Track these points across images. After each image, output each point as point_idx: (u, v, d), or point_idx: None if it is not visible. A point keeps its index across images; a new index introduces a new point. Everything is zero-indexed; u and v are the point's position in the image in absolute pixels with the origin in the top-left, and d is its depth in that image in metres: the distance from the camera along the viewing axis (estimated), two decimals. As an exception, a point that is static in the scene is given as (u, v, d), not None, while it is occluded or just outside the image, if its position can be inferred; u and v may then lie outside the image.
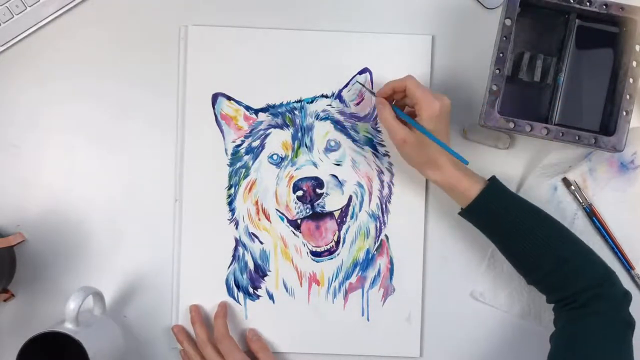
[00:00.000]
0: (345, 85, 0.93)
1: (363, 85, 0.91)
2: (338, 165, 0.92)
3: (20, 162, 0.93)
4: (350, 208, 0.92)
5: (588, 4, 0.85)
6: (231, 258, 0.92)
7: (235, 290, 0.92)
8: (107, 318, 0.90)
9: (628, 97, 0.85)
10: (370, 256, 0.92)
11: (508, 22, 0.84)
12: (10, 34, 0.92)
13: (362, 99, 0.93)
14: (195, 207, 0.92)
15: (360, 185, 0.92)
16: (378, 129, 0.93)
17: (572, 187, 0.92)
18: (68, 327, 0.82)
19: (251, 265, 0.92)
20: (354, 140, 0.93)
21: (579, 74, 0.88)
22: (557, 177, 0.92)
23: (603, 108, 0.88)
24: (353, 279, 0.92)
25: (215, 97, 0.92)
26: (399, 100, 0.87)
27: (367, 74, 0.93)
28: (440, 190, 0.86)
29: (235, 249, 0.92)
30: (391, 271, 0.92)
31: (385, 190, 0.92)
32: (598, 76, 0.88)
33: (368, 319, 0.92)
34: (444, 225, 0.93)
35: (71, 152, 0.93)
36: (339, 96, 0.93)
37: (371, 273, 0.92)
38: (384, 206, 0.92)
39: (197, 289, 0.92)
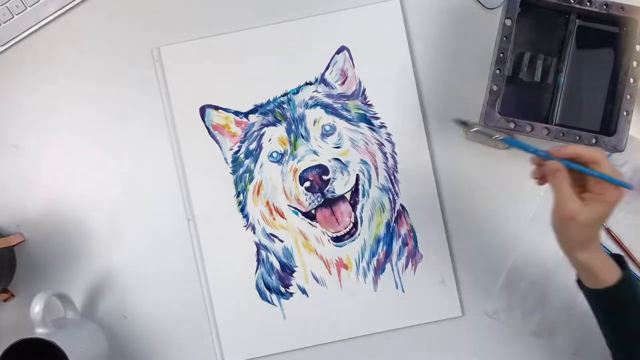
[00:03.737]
0: (327, 68, 0.93)
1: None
2: (338, 148, 0.92)
3: (21, 162, 0.93)
4: (360, 187, 0.92)
5: (588, 4, 0.85)
6: (256, 263, 0.92)
7: (267, 293, 0.92)
8: (83, 319, 0.89)
9: (628, 97, 0.85)
10: (390, 229, 0.92)
11: (508, 22, 0.84)
12: (10, 34, 0.93)
13: (346, 78, 0.93)
14: (210, 222, 0.92)
15: (364, 162, 0.92)
16: (369, 103, 0.93)
17: None
18: (39, 332, 0.81)
19: (277, 265, 0.92)
20: (347, 120, 0.93)
21: (579, 74, 0.88)
22: None
23: (603, 108, 0.88)
24: (379, 255, 0.92)
25: (202, 110, 0.93)
26: None
27: (345, 51, 0.93)
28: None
29: (258, 253, 0.92)
30: (414, 239, 0.92)
31: (390, 162, 0.93)
32: (598, 76, 0.88)
33: (403, 291, 0.91)
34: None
35: (71, 152, 0.93)
36: (322, 80, 0.93)
37: (396, 245, 0.92)
38: (392, 177, 0.92)
39: (230, 301, 0.91)
